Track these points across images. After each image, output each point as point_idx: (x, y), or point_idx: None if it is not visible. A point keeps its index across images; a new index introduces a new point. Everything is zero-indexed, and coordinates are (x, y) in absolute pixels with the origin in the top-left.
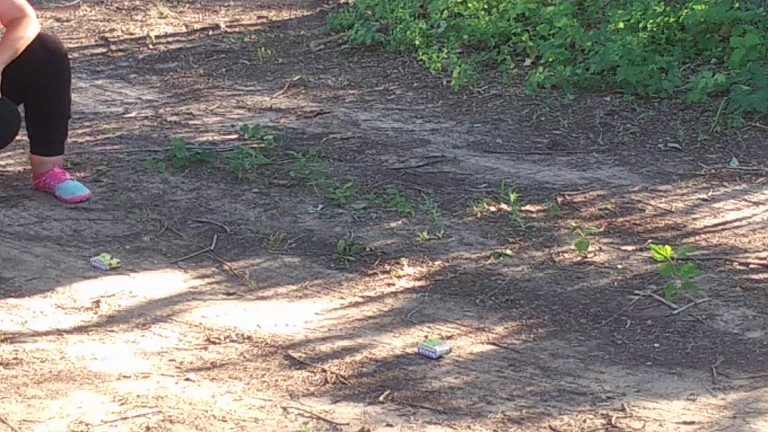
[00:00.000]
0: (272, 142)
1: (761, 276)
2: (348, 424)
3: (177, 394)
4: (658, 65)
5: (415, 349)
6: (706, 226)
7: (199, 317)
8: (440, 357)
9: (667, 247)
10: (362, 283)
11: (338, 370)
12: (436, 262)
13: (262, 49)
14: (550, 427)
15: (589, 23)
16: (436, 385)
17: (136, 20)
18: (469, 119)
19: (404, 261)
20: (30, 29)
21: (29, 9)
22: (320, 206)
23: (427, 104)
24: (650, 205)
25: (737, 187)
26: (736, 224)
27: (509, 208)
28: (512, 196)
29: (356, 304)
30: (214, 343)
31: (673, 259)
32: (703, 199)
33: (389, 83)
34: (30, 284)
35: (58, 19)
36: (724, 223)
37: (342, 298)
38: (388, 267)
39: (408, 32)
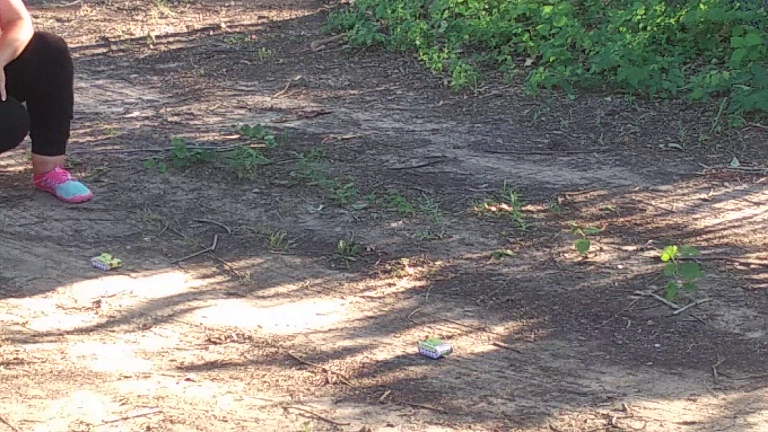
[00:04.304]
0: (273, 142)
1: (762, 276)
2: (349, 424)
3: (178, 394)
4: (659, 65)
5: (416, 349)
6: (706, 227)
7: (199, 317)
8: (441, 357)
9: (674, 247)
10: (363, 283)
11: (339, 370)
12: (437, 262)
13: (263, 49)
14: (551, 427)
15: (590, 23)
16: (437, 385)
17: (137, 20)
18: (470, 119)
19: (405, 261)
20: (25, 32)
21: (24, 12)
22: (321, 206)
23: (427, 104)
24: (651, 205)
25: (738, 187)
26: (736, 224)
27: (510, 208)
28: (513, 196)
29: (357, 304)
30: (214, 343)
31: (675, 259)
32: (704, 200)
33: (390, 83)
34: (31, 284)
35: (58, 19)
36: (724, 223)
37: (343, 298)
38: (388, 267)
39: (409, 32)
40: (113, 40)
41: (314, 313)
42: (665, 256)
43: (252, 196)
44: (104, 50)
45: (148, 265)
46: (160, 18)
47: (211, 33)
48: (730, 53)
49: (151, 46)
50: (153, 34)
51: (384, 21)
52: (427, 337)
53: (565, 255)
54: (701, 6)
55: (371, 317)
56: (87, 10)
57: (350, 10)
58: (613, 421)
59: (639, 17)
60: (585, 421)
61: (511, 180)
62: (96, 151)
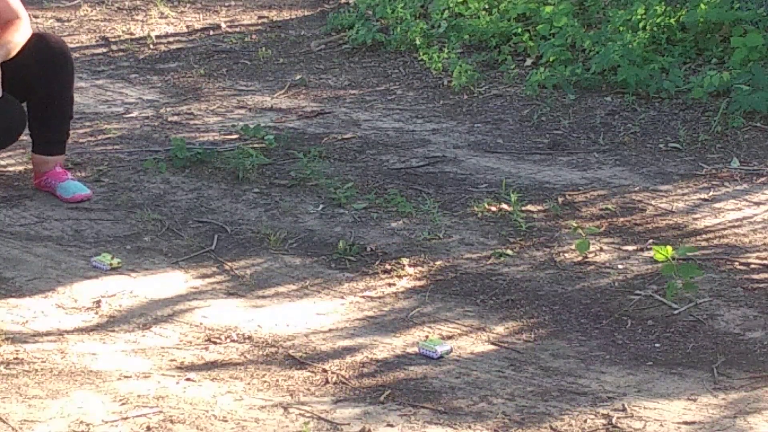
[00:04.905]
0: (273, 142)
1: (762, 276)
2: (349, 424)
3: (178, 394)
4: (659, 65)
5: (416, 349)
6: (707, 226)
7: (199, 317)
8: (441, 357)
9: (668, 247)
10: (363, 283)
11: (339, 370)
12: (437, 262)
13: (263, 49)
14: (551, 427)
15: (590, 23)
16: (437, 385)
17: (137, 20)
18: (470, 119)
19: (405, 261)
20: (21, 33)
21: (23, 12)
22: (321, 206)
23: (427, 104)
24: (651, 205)
25: (738, 187)
26: (736, 224)
27: (510, 208)
28: (513, 196)
29: (357, 304)
30: (214, 343)
31: (674, 259)
32: (704, 199)
33: (390, 83)
34: (31, 284)
35: (58, 19)
36: (724, 223)
37: (343, 298)
38: (388, 267)
39: (409, 32)
40: (113, 40)
41: (314, 313)
42: (659, 257)
43: (252, 196)
44: (104, 50)
45: (148, 265)
46: (160, 18)
47: (211, 33)
48: (730, 53)
49: (151, 46)
50: (153, 34)
51: (384, 21)
52: (427, 337)
53: (565, 255)
54: (701, 6)
55: (371, 317)
56: (87, 10)
57: (350, 10)
58: (613, 421)
59: (639, 17)
60: (585, 421)
61: (511, 180)
62: (96, 151)
